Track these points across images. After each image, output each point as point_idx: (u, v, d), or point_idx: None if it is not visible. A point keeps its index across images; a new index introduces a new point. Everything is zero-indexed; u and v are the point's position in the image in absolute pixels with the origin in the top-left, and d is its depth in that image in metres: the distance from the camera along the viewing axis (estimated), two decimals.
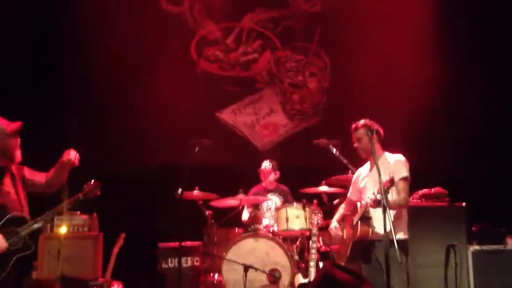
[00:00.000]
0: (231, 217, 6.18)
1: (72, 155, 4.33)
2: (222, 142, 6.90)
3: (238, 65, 8.15)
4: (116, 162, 7.28)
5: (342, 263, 4.33)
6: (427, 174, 5.01)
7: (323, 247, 5.92)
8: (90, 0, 7.39)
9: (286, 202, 6.41)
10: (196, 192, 5.93)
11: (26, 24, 7.08)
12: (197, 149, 5.20)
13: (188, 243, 6.16)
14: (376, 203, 4.04)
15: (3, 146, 4.13)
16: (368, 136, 4.35)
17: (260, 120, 8.09)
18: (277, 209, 6.08)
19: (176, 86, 7.65)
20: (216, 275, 5.87)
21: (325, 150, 5.64)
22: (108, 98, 7.43)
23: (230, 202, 6.12)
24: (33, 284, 5.43)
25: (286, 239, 6.08)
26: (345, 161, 5.52)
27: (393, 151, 4.57)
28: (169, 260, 6.19)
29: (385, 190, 3.89)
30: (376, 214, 4.15)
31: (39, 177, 4.33)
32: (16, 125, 4.19)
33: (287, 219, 5.86)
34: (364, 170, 4.66)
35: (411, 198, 5.17)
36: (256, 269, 5.47)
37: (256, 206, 6.53)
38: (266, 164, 6.64)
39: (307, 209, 5.90)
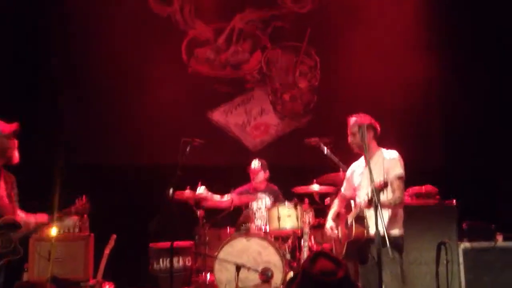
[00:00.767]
0: (222, 217, 6.17)
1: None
2: (213, 142, 6.89)
3: (229, 65, 8.15)
4: (107, 163, 7.28)
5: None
6: (417, 172, 5.02)
7: (315, 246, 5.93)
8: (80, 1, 7.37)
9: (276, 201, 6.41)
10: (187, 192, 5.92)
11: (16, 24, 7.06)
12: (188, 149, 5.19)
13: (180, 243, 6.15)
14: (370, 204, 3.97)
15: (1, 147, 4.15)
16: (359, 134, 4.28)
17: (251, 120, 8.09)
18: (269, 209, 6.08)
19: (167, 87, 7.65)
20: (208, 275, 5.87)
21: (316, 149, 5.66)
22: (99, 99, 7.43)
23: (222, 202, 6.11)
24: (24, 286, 5.39)
25: (278, 238, 6.09)
26: (336, 159, 5.53)
27: (386, 148, 4.50)
28: (161, 260, 6.18)
29: (378, 190, 3.86)
30: (371, 214, 4.06)
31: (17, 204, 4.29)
32: (13, 126, 4.21)
33: (278, 218, 5.87)
34: (358, 166, 4.58)
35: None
36: (248, 268, 5.47)
37: (246, 206, 6.53)
38: (255, 163, 6.65)
39: (298, 208, 5.92)
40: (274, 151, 7.76)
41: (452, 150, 7.05)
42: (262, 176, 6.64)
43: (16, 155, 4.23)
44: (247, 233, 5.79)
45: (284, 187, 6.72)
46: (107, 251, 5.57)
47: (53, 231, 5.68)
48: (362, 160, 4.52)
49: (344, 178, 5.82)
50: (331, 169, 5.90)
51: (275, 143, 8.03)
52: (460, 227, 5.71)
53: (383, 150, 4.42)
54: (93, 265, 5.72)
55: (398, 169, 4.26)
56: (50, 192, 4.62)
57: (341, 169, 5.56)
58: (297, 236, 5.96)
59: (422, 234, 5.45)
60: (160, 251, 6.20)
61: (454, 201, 5.62)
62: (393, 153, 4.37)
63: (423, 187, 5.79)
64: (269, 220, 6.02)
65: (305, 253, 5.48)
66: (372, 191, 3.86)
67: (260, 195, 6.61)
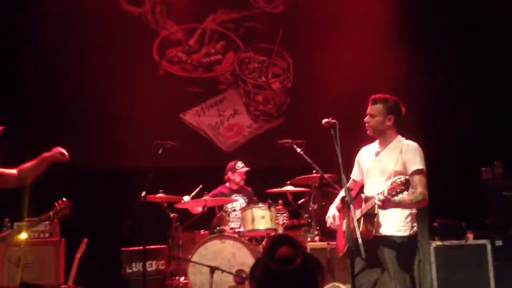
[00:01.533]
0: (196, 220, 6.14)
1: (57, 150, 4.26)
2: (186, 144, 6.85)
3: (201, 66, 8.11)
4: (77, 165, 7.14)
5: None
6: None
7: None
8: (50, 2, 7.23)
9: (250, 202, 6.40)
10: (160, 195, 5.87)
11: None
12: (160, 151, 5.13)
13: (153, 246, 6.08)
14: (385, 204, 3.56)
15: None
16: (383, 116, 3.89)
17: (224, 121, 8.06)
18: (243, 210, 6.07)
19: (138, 88, 7.57)
20: (182, 278, 5.82)
21: (290, 150, 5.67)
22: (70, 101, 7.30)
23: (195, 204, 6.08)
24: None
25: (252, 240, 6.08)
26: (309, 160, 5.54)
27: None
28: (133, 264, 6.09)
29: (396, 192, 3.48)
30: (382, 211, 3.74)
31: (7, 173, 4.18)
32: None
33: (253, 220, 5.87)
34: (370, 151, 4.09)
35: None
36: (223, 271, 5.45)
37: (220, 208, 6.50)
38: (243, 165, 6.60)
39: (272, 209, 5.92)
40: (247, 153, 7.74)
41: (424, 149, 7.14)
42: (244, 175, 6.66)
43: None
44: (221, 235, 5.76)
45: (258, 188, 6.72)
46: (78, 256, 5.48)
47: (23, 235, 5.56)
48: (375, 145, 4.06)
49: (317, 179, 5.91)
50: (304, 170, 5.92)
51: (248, 144, 8.03)
52: (431, 226, 5.79)
53: (402, 139, 3.96)
54: (64, 270, 5.63)
55: (417, 162, 3.78)
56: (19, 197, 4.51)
57: (314, 171, 5.58)
58: (271, 237, 5.95)
59: None
60: (133, 254, 6.12)
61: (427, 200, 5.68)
62: (413, 144, 3.90)
63: None
64: (243, 221, 6.01)
65: None
66: (390, 192, 3.49)
67: (234, 196, 6.59)
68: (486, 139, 7.06)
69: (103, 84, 7.42)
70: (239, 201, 6.60)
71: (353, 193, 4.15)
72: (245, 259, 5.59)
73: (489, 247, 5.71)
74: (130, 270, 6.10)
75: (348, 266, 3.90)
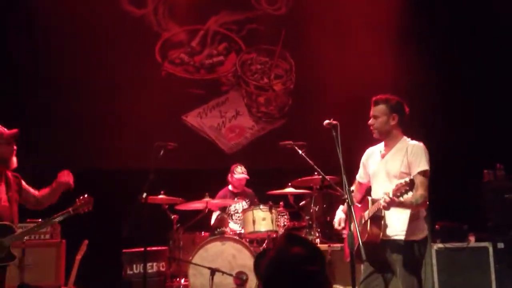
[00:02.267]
0: (197, 221, 6.13)
1: (69, 177, 4.41)
2: (188, 145, 6.85)
3: (203, 68, 8.11)
4: (78, 167, 7.14)
5: None
6: None
7: None
8: (52, 3, 7.25)
9: (252, 205, 6.39)
10: (161, 196, 5.86)
11: None
12: (162, 152, 5.12)
13: (154, 248, 6.08)
14: (390, 205, 3.55)
15: None
16: (387, 116, 3.85)
17: (226, 123, 8.06)
18: (244, 212, 6.06)
19: (141, 89, 7.58)
20: (183, 280, 5.81)
21: (291, 152, 5.65)
22: (73, 102, 7.31)
23: (196, 205, 6.07)
24: None
25: (253, 241, 6.06)
26: (311, 162, 5.53)
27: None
28: (134, 266, 6.10)
29: (401, 193, 3.47)
30: (389, 214, 3.71)
31: (32, 193, 4.39)
32: (12, 132, 4.25)
33: (253, 221, 5.84)
34: (375, 152, 4.04)
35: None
36: (223, 273, 5.43)
37: (222, 210, 6.49)
38: (243, 170, 6.60)
39: (273, 211, 5.90)
40: (249, 154, 7.74)
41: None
42: (245, 180, 6.65)
43: (14, 161, 4.28)
44: (222, 237, 5.75)
45: (259, 190, 6.70)
46: (78, 257, 5.48)
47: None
48: (380, 146, 4.01)
49: (319, 181, 5.88)
50: (306, 172, 5.90)
51: (250, 145, 8.02)
52: (433, 228, 5.76)
53: (408, 139, 3.90)
54: (64, 272, 5.62)
55: (423, 163, 3.72)
56: None
57: (316, 172, 5.56)
58: (272, 239, 5.94)
59: None
60: (134, 256, 6.13)
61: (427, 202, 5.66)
62: (419, 145, 3.83)
63: None
64: (244, 223, 6.00)
65: None
66: (395, 193, 3.49)
67: (236, 199, 6.58)
68: (488, 141, 7.03)
69: (105, 85, 7.43)
70: (242, 203, 6.59)
71: (360, 196, 4.16)
72: (245, 261, 5.57)
73: (491, 249, 5.69)
74: (131, 272, 6.11)
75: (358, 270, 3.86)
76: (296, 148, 5.15)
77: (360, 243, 3.55)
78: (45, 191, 4.40)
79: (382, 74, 7.45)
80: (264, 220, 5.85)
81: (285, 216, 6.13)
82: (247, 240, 5.91)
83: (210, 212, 6.30)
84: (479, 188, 6.09)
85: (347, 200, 3.70)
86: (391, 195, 3.52)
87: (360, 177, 4.15)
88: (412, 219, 3.74)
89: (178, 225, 5.98)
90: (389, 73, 7.47)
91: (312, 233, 5.83)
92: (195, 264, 5.52)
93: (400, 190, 3.49)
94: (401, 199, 3.53)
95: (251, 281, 5.53)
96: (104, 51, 7.48)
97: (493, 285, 5.58)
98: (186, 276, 5.68)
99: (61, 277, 5.63)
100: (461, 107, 7.44)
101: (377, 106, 3.91)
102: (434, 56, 7.59)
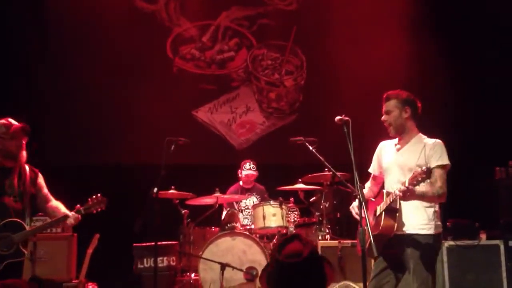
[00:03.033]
0: (207, 216, 6.14)
1: (76, 221, 4.30)
2: (198, 140, 6.86)
3: (214, 63, 8.12)
4: (90, 162, 7.20)
5: None
6: None
7: None
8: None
9: (262, 200, 6.40)
10: (172, 191, 5.88)
11: None
12: (173, 147, 5.14)
13: (164, 242, 6.10)
14: (406, 194, 3.49)
15: (4, 147, 4.12)
16: (399, 109, 3.83)
17: (236, 118, 8.06)
18: (254, 207, 6.07)
19: (151, 85, 7.60)
20: (193, 275, 5.83)
21: (301, 148, 5.64)
22: (84, 97, 7.36)
23: (207, 201, 6.08)
24: (5, 286, 5.31)
25: (263, 237, 6.07)
26: (321, 158, 5.52)
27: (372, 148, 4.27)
28: (145, 260, 6.13)
29: (418, 181, 3.43)
30: (405, 207, 3.68)
31: (43, 194, 4.28)
32: (18, 126, 4.18)
33: (264, 217, 5.86)
34: (390, 145, 4.00)
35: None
36: (233, 268, 5.45)
37: (232, 205, 6.51)
38: (251, 166, 6.62)
39: (284, 206, 5.91)
40: (259, 150, 7.75)
41: None
42: (254, 177, 6.66)
43: (23, 155, 4.20)
44: (232, 232, 5.76)
45: (269, 186, 6.72)
46: (90, 251, 5.50)
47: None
48: (395, 140, 3.97)
49: (329, 177, 5.87)
50: (316, 168, 5.89)
51: (261, 141, 8.02)
52: (444, 225, 5.72)
53: (424, 137, 3.89)
54: (76, 265, 5.66)
55: (443, 158, 3.72)
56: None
57: (326, 169, 5.55)
58: (282, 234, 5.94)
59: None
60: (144, 250, 6.16)
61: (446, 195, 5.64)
62: (438, 141, 3.82)
63: None
64: (254, 218, 6.01)
65: None
66: (411, 182, 3.44)
67: (247, 195, 6.60)
68: (501, 138, 6.97)
69: (116, 80, 7.46)
70: (252, 199, 6.61)
71: (376, 189, 4.12)
72: (255, 256, 5.59)
73: (502, 247, 5.63)
74: (142, 266, 6.14)
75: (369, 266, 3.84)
76: (307, 144, 5.13)
77: (372, 240, 3.53)
78: (56, 209, 4.27)
79: (394, 69, 7.43)
80: (274, 216, 5.86)
81: (295, 212, 6.14)
82: (257, 235, 5.92)
83: (221, 207, 6.32)
84: (491, 185, 6.04)
85: (358, 197, 3.69)
86: (407, 184, 3.48)
87: (373, 170, 4.11)
88: (428, 214, 3.72)
89: (189, 220, 6.00)
90: (401, 69, 7.44)
91: (322, 229, 5.83)
92: (205, 259, 5.54)
93: (416, 178, 3.44)
94: (417, 189, 3.49)
95: None
96: (115, 47, 7.50)
97: (504, 283, 5.54)
98: (196, 271, 5.70)
99: (72, 270, 5.67)
100: (474, 103, 7.39)
101: (388, 101, 3.90)
102: (448, 50, 7.52)
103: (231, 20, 8.18)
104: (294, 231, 5.78)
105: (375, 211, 3.84)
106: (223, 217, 6.41)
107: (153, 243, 5.19)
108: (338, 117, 3.87)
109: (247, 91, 8.14)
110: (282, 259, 2.24)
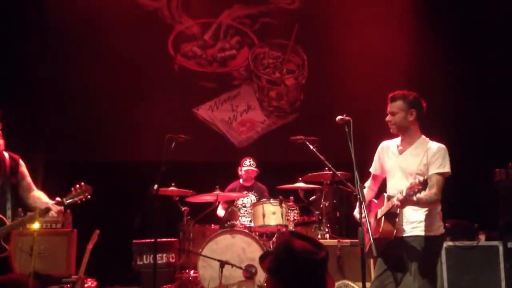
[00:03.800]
0: (207, 214, 6.16)
1: (59, 213, 4.10)
2: (199, 138, 6.88)
3: (216, 61, 8.12)
4: (90, 158, 7.21)
5: None
6: None
7: None
8: None
9: (261, 199, 6.40)
10: (172, 188, 5.90)
11: None
12: (173, 145, 5.15)
13: (164, 239, 6.12)
14: (404, 204, 3.56)
15: None
16: (405, 112, 3.78)
17: (237, 116, 8.07)
18: (254, 205, 6.08)
19: (153, 82, 7.61)
20: (192, 272, 5.85)
21: (302, 147, 5.65)
22: (85, 94, 7.36)
23: (207, 198, 6.10)
24: (6, 281, 5.32)
25: (263, 235, 6.09)
26: (321, 157, 5.52)
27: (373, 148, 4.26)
28: (144, 256, 6.15)
29: (414, 192, 3.46)
30: (407, 208, 3.69)
31: (26, 183, 4.07)
32: None
33: (263, 215, 5.86)
34: (392, 146, 3.96)
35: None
36: (232, 265, 5.46)
37: (231, 203, 6.51)
38: (251, 163, 6.63)
39: (283, 205, 5.91)
40: (259, 148, 7.75)
41: None
42: (254, 173, 6.68)
43: (0, 143, 4.01)
44: (232, 230, 5.77)
45: (269, 184, 6.72)
46: (90, 247, 5.52)
47: (36, 225, 5.60)
48: (397, 141, 3.94)
49: (329, 176, 5.88)
50: (316, 167, 5.90)
51: (261, 140, 8.03)
52: (443, 226, 5.73)
53: (427, 139, 3.86)
54: (75, 261, 5.67)
55: (445, 165, 3.71)
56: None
57: (326, 168, 5.55)
58: (281, 233, 5.96)
59: None
60: (144, 246, 6.17)
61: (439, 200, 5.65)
62: (442, 146, 3.78)
63: None
64: (254, 216, 6.02)
65: None
66: (409, 191, 3.46)
67: (246, 193, 6.61)
68: (501, 139, 6.98)
69: (117, 77, 7.46)
70: (250, 197, 6.62)
71: (376, 188, 4.12)
72: (255, 254, 5.59)
73: (501, 248, 5.65)
74: (141, 262, 6.16)
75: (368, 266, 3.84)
76: (307, 143, 5.14)
77: (371, 240, 3.54)
78: (38, 199, 4.04)
79: (396, 69, 7.44)
80: (274, 214, 5.86)
81: (295, 211, 6.14)
82: (257, 233, 5.93)
83: (218, 205, 6.33)
84: (490, 186, 6.05)
85: (358, 197, 3.70)
86: (404, 193, 3.50)
87: (374, 169, 4.09)
88: (429, 216, 3.73)
89: (189, 217, 6.02)
90: (403, 69, 7.44)
91: (322, 228, 5.83)
92: (204, 256, 5.55)
93: (413, 189, 3.46)
94: (414, 198, 3.51)
95: (260, 275, 5.56)
96: (117, 43, 7.50)
97: (502, 284, 5.56)
98: (195, 268, 5.70)
99: (71, 266, 5.67)
100: (474, 103, 7.39)
101: (394, 102, 3.86)
102: (450, 51, 7.52)
103: (233, 19, 8.18)
104: (294, 229, 5.78)
105: (376, 214, 3.85)
106: (218, 213, 6.43)
107: (152, 240, 5.21)
108: (339, 117, 3.87)
109: (248, 90, 8.15)
110: (300, 253, 2.19)
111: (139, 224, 5.02)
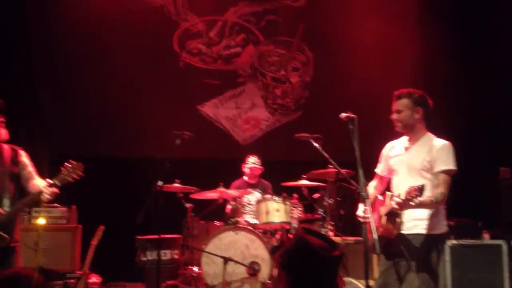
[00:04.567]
0: (211, 210, 6.17)
1: (52, 195, 3.99)
2: (203, 135, 6.88)
3: (221, 58, 8.13)
4: (95, 154, 7.23)
5: None
6: None
7: None
8: None
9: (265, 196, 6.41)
10: (176, 185, 5.91)
11: None
12: (178, 141, 5.16)
13: (168, 235, 6.14)
14: (402, 207, 3.57)
15: None
16: (411, 110, 3.77)
17: (242, 114, 8.08)
18: (258, 202, 6.09)
19: (158, 79, 7.62)
20: (195, 268, 5.86)
21: (306, 144, 5.65)
22: (90, 90, 7.39)
23: (211, 195, 6.11)
24: (11, 275, 5.34)
25: (266, 232, 6.10)
26: (326, 155, 5.52)
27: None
28: (148, 252, 6.17)
29: (412, 197, 3.43)
30: (407, 211, 3.68)
31: (27, 171, 4.04)
32: None
33: (267, 212, 5.87)
34: (398, 145, 3.96)
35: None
36: (236, 262, 5.47)
37: (236, 200, 6.52)
38: (256, 161, 6.65)
39: (287, 202, 5.92)
40: (264, 145, 7.75)
41: None
42: (259, 171, 6.69)
43: (2, 133, 4.01)
44: (236, 227, 5.78)
45: (273, 181, 6.73)
46: (94, 243, 5.53)
47: (41, 221, 5.64)
48: (404, 140, 3.93)
49: (333, 174, 5.88)
50: (320, 164, 5.90)
51: (265, 137, 8.03)
52: (447, 224, 5.72)
53: (432, 136, 3.84)
54: (80, 257, 5.70)
55: (450, 163, 3.69)
56: None
57: (330, 165, 5.55)
58: (285, 230, 5.97)
59: None
60: (147, 242, 6.20)
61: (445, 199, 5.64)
62: (446, 143, 3.77)
63: None
64: (257, 214, 6.03)
65: None
66: (408, 195, 3.46)
67: (251, 190, 6.62)
68: (506, 138, 6.96)
69: (123, 74, 7.48)
70: (255, 195, 6.62)
71: (381, 188, 4.10)
72: (258, 251, 5.61)
73: (505, 247, 5.64)
74: (145, 258, 6.18)
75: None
76: (312, 140, 5.13)
77: (375, 237, 3.55)
78: (35, 186, 3.99)
79: (401, 67, 7.41)
80: (278, 211, 5.87)
81: (299, 208, 6.15)
82: (261, 230, 5.95)
83: (226, 201, 6.34)
84: (495, 185, 6.04)
85: (362, 194, 3.70)
86: (402, 197, 3.50)
87: (380, 170, 4.07)
88: (433, 214, 3.72)
89: (193, 213, 6.03)
90: (408, 67, 7.42)
91: (325, 225, 5.84)
92: (208, 252, 5.57)
93: (410, 194, 3.45)
94: (412, 203, 3.49)
95: (263, 272, 5.57)
96: (122, 40, 7.52)
97: (506, 283, 5.54)
98: (199, 264, 5.72)
99: (76, 261, 5.71)
100: (479, 103, 7.37)
101: (400, 100, 3.83)
102: (456, 48, 7.50)
103: (239, 16, 8.18)
104: (297, 227, 5.79)
105: (380, 211, 3.85)
106: (226, 211, 6.45)
107: (156, 236, 5.23)
108: (344, 114, 3.87)
109: (253, 87, 8.15)
110: (316, 249, 2.20)
111: (142, 220, 5.03)
